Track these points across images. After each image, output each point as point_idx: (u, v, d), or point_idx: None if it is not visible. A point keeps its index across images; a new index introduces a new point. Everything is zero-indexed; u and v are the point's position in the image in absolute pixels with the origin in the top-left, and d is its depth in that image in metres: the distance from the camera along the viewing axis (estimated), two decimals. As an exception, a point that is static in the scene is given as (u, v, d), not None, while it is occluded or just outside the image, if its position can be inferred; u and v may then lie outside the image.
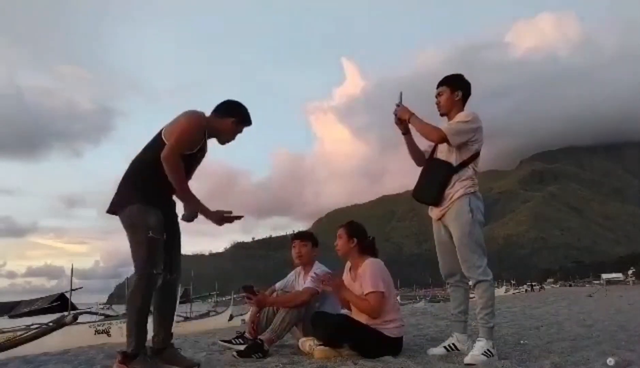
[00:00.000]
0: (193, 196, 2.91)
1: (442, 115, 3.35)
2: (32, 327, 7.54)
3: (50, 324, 6.45)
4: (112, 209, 2.89)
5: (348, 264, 3.53)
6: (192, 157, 2.93)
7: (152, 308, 2.88)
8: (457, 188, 3.19)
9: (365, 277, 3.27)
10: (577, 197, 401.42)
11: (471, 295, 3.36)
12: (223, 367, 3.10)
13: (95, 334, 8.87)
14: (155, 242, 2.76)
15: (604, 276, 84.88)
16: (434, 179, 3.28)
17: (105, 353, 4.16)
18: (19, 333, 6.78)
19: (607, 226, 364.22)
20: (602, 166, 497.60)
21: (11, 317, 16.14)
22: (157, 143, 2.87)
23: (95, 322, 9.61)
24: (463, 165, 3.23)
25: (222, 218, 2.95)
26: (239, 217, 3.03)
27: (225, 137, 3.11)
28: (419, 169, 3.43)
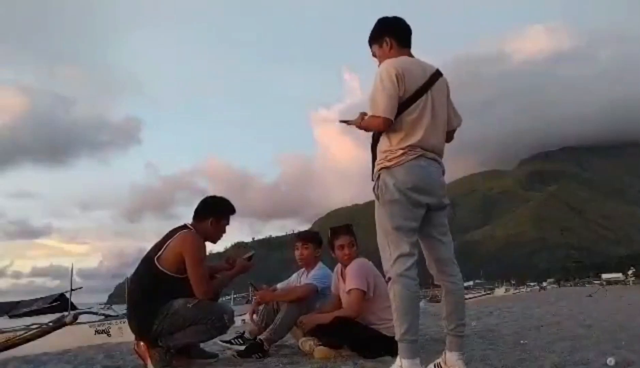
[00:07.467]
0: (221, 284, 3.27)
1: None
2: (32, 327, 7.50)
3: (50, 324, 6.43)
4: None
5: (338, 267, 3.54)
6: None
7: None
8: (375, 164, 2.50)
9: (350, 274, 3.30)
10: (577, 197, 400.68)
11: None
12: (223, 367, 3.10)
13: (95, 334, 8.86)
14: None
15: (604, 276, 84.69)
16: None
17: (105, 353, 4.16)
18: (19, 333, 6.75)
19: (607, 226, 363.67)
20: (602, 166, 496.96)
21: (11, 317, 16.08)
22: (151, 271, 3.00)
23: (95, 322, 9.60)
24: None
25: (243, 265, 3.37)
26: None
27: (212, 239, 3.17)
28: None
